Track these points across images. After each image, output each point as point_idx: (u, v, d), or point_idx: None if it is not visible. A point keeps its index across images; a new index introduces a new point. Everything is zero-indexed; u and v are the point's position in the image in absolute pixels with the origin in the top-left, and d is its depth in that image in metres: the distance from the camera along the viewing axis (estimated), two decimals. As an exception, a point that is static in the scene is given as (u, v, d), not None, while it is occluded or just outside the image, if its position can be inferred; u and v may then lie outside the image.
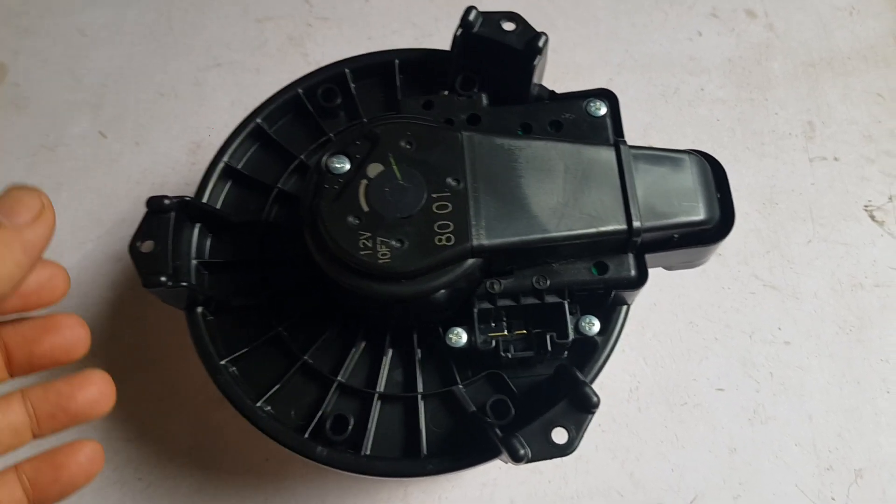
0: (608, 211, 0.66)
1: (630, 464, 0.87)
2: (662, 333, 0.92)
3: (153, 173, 1.07)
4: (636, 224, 0.66)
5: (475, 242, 0.63)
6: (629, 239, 0.66)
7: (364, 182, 0.66)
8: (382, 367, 0.73)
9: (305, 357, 0.74)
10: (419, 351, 0.74)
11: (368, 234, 0.64)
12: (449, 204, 0.64)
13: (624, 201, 0.66)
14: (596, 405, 0.64)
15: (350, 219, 0.64)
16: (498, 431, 0.65)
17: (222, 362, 0.74)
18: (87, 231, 1.04)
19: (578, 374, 0.67)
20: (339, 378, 0.73)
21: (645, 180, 0.68)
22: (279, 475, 0.91)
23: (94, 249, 1.02)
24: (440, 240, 0.63)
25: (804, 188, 1.02)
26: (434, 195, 0.65)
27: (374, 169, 0.67)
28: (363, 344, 0.75)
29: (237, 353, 0.74)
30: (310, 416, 0.72)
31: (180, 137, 1.09)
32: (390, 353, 0.75)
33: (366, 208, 0.65)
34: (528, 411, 0.65)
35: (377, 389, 0.72)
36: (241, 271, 0.78)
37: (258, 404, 0.72)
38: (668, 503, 0.86)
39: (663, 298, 0.94)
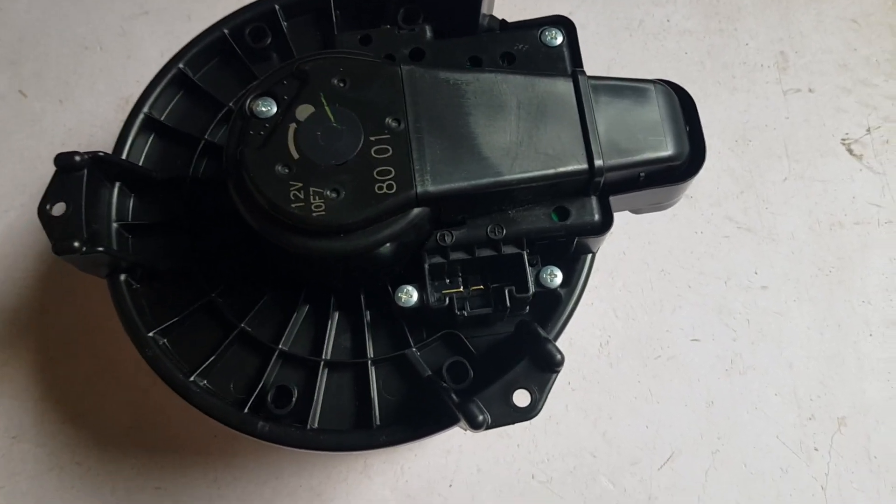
0: (567, 149, 0.61)
1: (603, 423, 0.85)
2: (633, 283, 0.90)
3: (79, 133, 0.99)
4: (598, 163, 0.61)
5: (420, 189, 0.58)
6: (591, 180, 0.61)
7: (293, 126, 0.60)
8: (328, 332, 0.68)
9: (242, 325, 0.68)
10: (368, 313, 0.69)
11: (300, 185, 0.58)
12: (389, 147, 0.59)
13: (584, 138, 0.61)
14: (560, 363, 0.59)
15: (278, 168, 0.58)
16: (454, 396, 0.60)
17: (150, 334, 0.68)
18: (10, 198, 0.97)
19: (540, 331, 0.63)
20: (280, 346, 0.67)
21: (607, 114, 0.63)
22: (228, 452, 0.86)
23: (18, 218, 0.95)
24: (380, 188, 0.58)
25: (778, 123, 0.98)
26: (372, 138, 0.59)
27: (303, 111, 0.60)
28: (306, 308, 0.70)
29: (167, 324, 0.68)
30: (250, 388, 0.67)
31: (107, 93, 1.01)
32: (336, 316, 0.69)
33: (296, 155, 0.59)
34: (488, 373, 0.63)
35: (323, 357, 0.67)
36: (167, 233, 0.72)
37: (192, 378, 0.67)
38: (644, 462, 0.83)
39: (633, 246, 0.91)
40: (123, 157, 0.73)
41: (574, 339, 0.86)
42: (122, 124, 0.89)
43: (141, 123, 0.74)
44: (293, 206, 0.57)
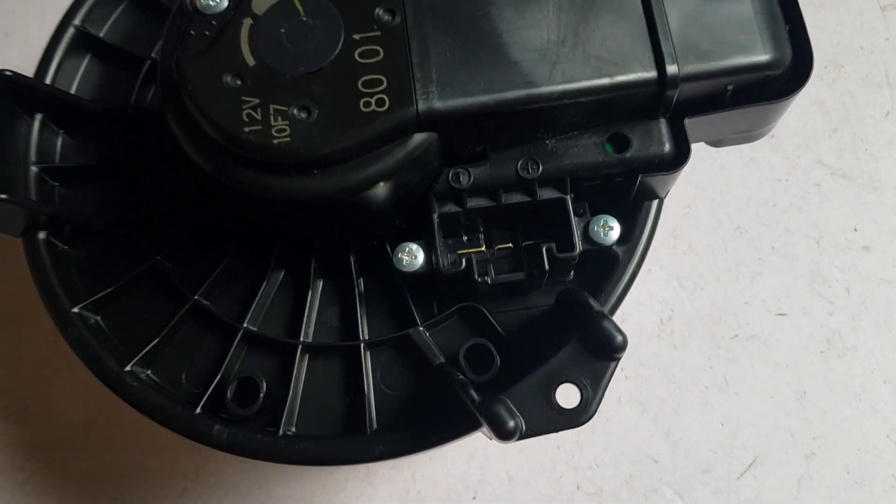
0: (627, 51, 0.48)
1: (666, 419, 0.74)
2: (701, 244, 0.79)
3: (28, 71, 0.85)
4: (671, 69, 0.48)
5: (422, 106, 0.46)
6: (661, 94, 0.49)
7: (248, 23, 0.47)
8: (308, 306, 0.56)
9: (196, 297, 0.56)
10: (361, 281, 0.57)
11: (256, 101, 0.46)
12: (379, 49, 0.47)
13: (651, 35, 0.49)
14: (621, 347, 0.47)
15: (228, 79, 0.46)
16: (474, 394, 0.48)
17: (76, 309, 0.56)
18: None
19: (592, 302, 0.50)
20: (245, 325, 0.55)
21: (681, 4, 0.50)
22: (201, 456, 0.74)
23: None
24: (367, 104, 0.46)
25: (877, 45, 0.86)
26: (356, 37, 0.47)
27: (262, 2, 0.48)
28: (279, 275, 0.58)
29: (99, 295, 0.56)
30: (208, 381, 0.55)
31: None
32: (319, 286, 0.57)
33: (251, 61, 0.47)
34: (520, 361, 0.52)
35: (301, 339, 0.55)
36: (103, 180, 0.60)
37: (129, 368, 0.55)
38: (719, 469, 0.72)
39: (700, 197, 0.80)
40: (48, 81, 0.61)
41: (627, 315, 0.75)
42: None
43: (72, 40, 0.62)
44: (247, 129, 0.45)
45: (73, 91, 0.62)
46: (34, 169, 0.58)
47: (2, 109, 0.55)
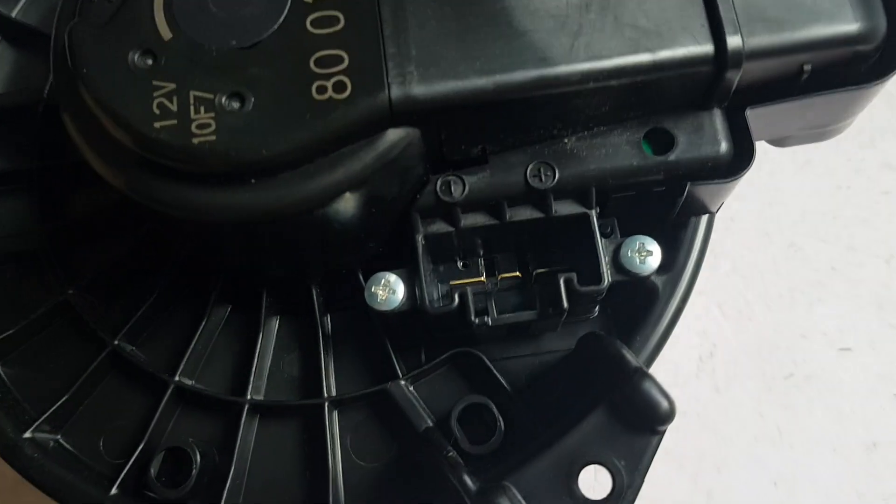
0: (674, 17, 0.40)
1: (707, 477, 0.68)
2: (747, 265, 0.74)
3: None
4: (733, 42, 0.39)
5: (397, 91, 0.36)
6: (718, 76, 0.40)
7: None
8: (259, 352, 0.47)
9: (117, 341, 0.47)
10: (328, 319, 0.48)
11: (170, 86, 0.36)
12: (340, 15, 0.38)
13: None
14: (668, 417, 0.38)
15: (135, 57, 0.37)
16: (468, 481, 0.38)
17: None
18: None
19: (627, 355, 0.41)
20: (177, 377, 0.46)
21: None
22: None
23: None
24: (322, 89, 0.36)
25: None
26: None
27: None
28: (224, 311, 0.49)
29: None
30: (131, 448, 0.46)
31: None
32: (275, 325, 0.49)
33: (167, 34, 0.37)
34: (530, 425, 0.45)
35: (249, 395, 0.46)
36: (6, 192, 0.52)
37: (30, 433, 0.46)
38: None
39: (745, 209, 0.75)
40: None
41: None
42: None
43: None
44: (158, 125, 0.36)
45: None
46: (-81, 181, 0.49)
47: None
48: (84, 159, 0.41)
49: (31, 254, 0.49)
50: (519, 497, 0.36)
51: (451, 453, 0.40)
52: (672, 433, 0.64)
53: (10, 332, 0.47)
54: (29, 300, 0.48)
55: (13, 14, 0.54)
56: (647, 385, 0.37)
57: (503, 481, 0.37)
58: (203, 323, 0.47)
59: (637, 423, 0.37)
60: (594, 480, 0.37)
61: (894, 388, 0.69)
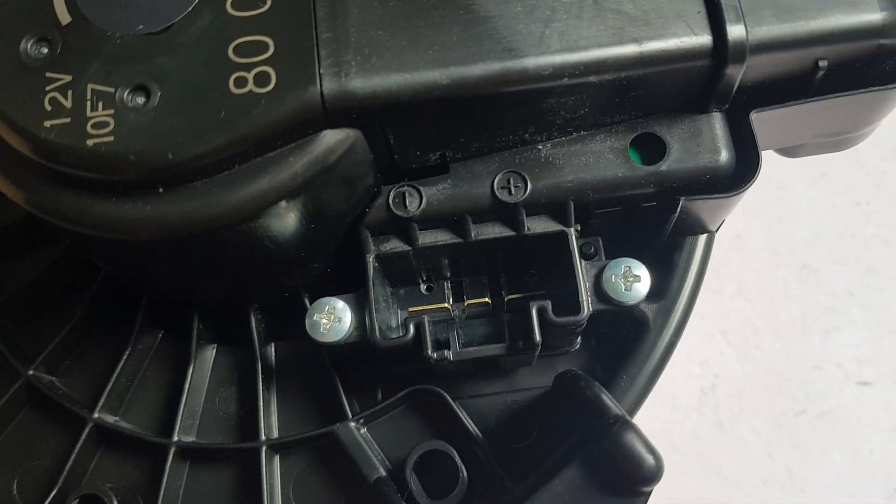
0: (664, 4, 0.35)
1: None
2: (755, 288, 0.70)
3: None
4: (735, 32, 0.35)
5: (330, 85, 0.32)
6: (717, 72, 0.36)
7: None
8: (188, 385, 0.42)
9: (32, 371, 0.42)
10: (270, 349, 0.43)
11: (66, 79, 0.32)
12: None
13: None
14: (653, 476, 0.33)
15: (28, 45, 0.33)
16: None
17: None
18: None
19: (607, 400, 0.36)
20: (96, 413, 0.41)
21: None
22: None
23: None
24: (242, 81, 0.31)
25: None
26: None
27: None
28: (154, 338, 0.44)
29: None
30: (43, 493, 0.41)
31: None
32: (210, 355, 0.44)
33: (65, 17, 0.33)
34: (498, 476, 0.40)
35: (177, 436, 0.41)
36: None
37: None
38: None
39: (753, 226, 0.71)
40: None
41: (658, 381, 0.60)
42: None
43: None
44: (48, 124, 0.31)
45: None
46: None
47: None
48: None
49: None
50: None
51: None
52: (671, 474, 0.60)
53: None
54: None
55: None
56: (630, 437, 0.32)
57: None
58: (127, 351, 0.41)
59: (617, 482, 0.32)
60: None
61: None
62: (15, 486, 0.43)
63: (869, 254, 0.69)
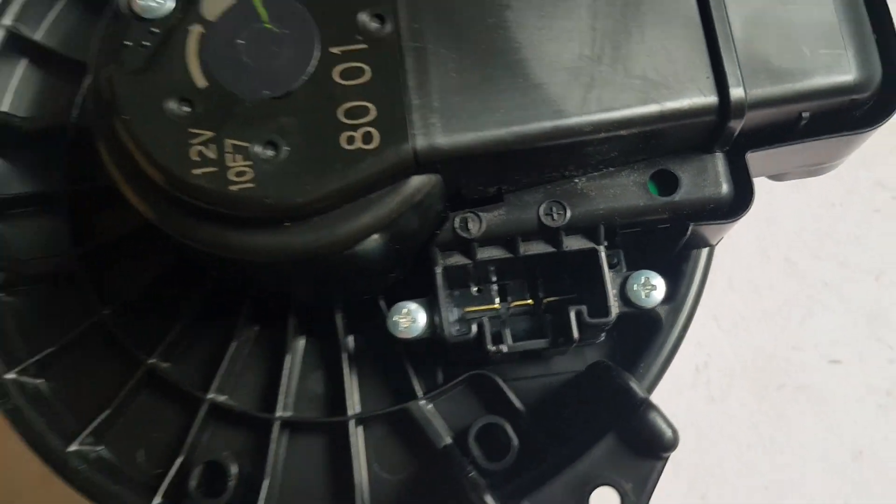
0: (680, 69, 0.40)
1: (701, 484, 0.69)
2: (743, 280, 0.74)
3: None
4: (736, 93, 0.40)
5: (421, 143, 0.37)
6: (721, 125, 0.41)
7: (197, 30, 0.38)
8: (286, 371, 0.47)
9: (152, 360, 0.47)
10: (350, 340, 0.48)
11: (209, 135, 0.37)
12: (366, 67, 0.38)
13: (710, 50, 0.40)
14: (672, 444, 0.39)
15: (172, 105, 0.37)
16: (488, 500, 0.39)
17: (11, 375, 0.47)
18: None
19: (635, 386, 0.42)
20: (210, 394, 0.47)
21: (746, 9, 0.41)
22: None
23: None
24: (351, 140, 0.37)
25: None
26: (335, 50, 0.38)
27: (215, 4, 0.38)
28: (253, 331, 0.49)
29: (40, 356, 0.48)
30: (168, 459, 0.47)
31: None
32: (301, 345, 0.49)
33: (202, 83, 0.38)
34: (541, 440, 0.46)
35: (278, 412, 0.47)
36: (40, 215, 0.52)
37: (76, 446, 0.46)
38: None
39: (743, 226, 0.69)
40: None
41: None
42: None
43: (3, 43, 0.53)
44: (197, 172, 0.36)
45: (5, 106, 0.53)
46: (-40, 199, 0.49)
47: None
48: (115, 187, 0.43)
49: (66, 275, 0.49)
50: (535, 513, 0.37)
51: (471, 473, 0.41)
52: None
53: (50, 350, 0.47)
54: (66, 319, 0.49)
55: (36, 37, 0.54)
56: (653, 416, 0.38)
57: (521, 501, 0.38)
58: (233, 343, 0.47)
59: (643, 449, 0.38)
60: (603, 500, 0.39)
61: (880, 399, 0.69)
62: (141, 455, 0.48)
63: (841, 250, 0.73)
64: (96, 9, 0.54)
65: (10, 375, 0.47)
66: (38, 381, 0.48)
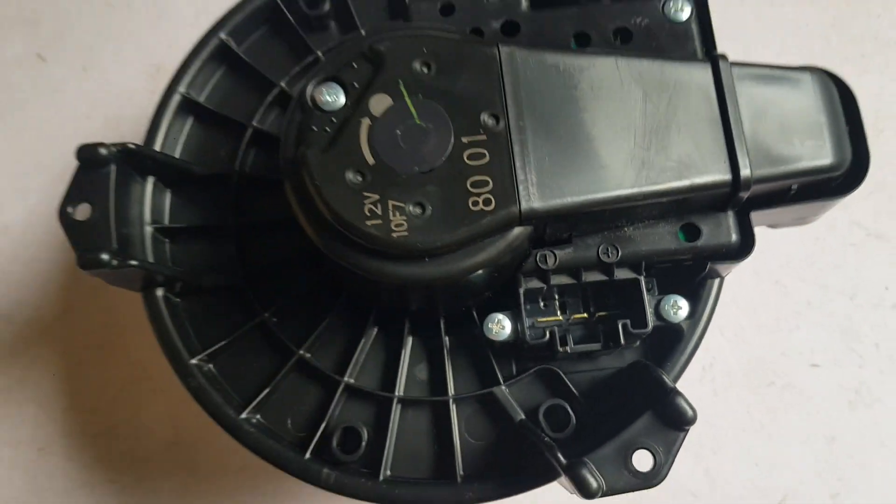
0: (706, 156, 0.50)
1: (705, 458, 0.77)
2: (742, 297, 0.80)
3: (105, 105, 0.89)
4: (745, 173, 0.50)
5: (524, 206, 0.48)
6: (734, 195, 0.51)
7: (366, 122, 0.49)
8: (401, 361, 0.58)
9: (301, 351, 0.59)
10: (448, 339, 0.59)
11: (376, 197, 0.48)
12: (485, 151, 0.48)
13: (727, 141, 0.51)
14: (692, 420, 0.50)
15: (350, 175, 0.48)
16: (560, 457, 0.50)
17: (194, 360, 0.58)
18: (29, 178, 0.86)
19: (666, 379, 0.52)
20: (346, 378, 0.58)
21: (752, 110, 0.52)
22: (286, 482, 0.75)
23: (39, 202, 0.85)
24: (475, 203, 0.48)
25: None
26: (464, 139, 0.48)
27: (379, 103, 0.49)
28: (374, 332, 0.60)
29: (214, 348, 0.59)
30: (312, 426, 0.58)
31: (136, 60, 0.91)
32: (410, 342, 0.60)
33: (371, 160, 0.48)
34: (591, 418, 0.55)
35: (396, 392, 0.58)
36: (211, 239, 0.62)
37: (244, 415, 0.57)
38: None
39: None
40: (157, 147, 0.63)
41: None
42: (152, 95, 0.79)
43: (177, 106, 0.63)
44: (369, 223, 0.47)
45: (178, 154, 0.63)
46: (148, 228, 0.60)
47: (122, 175, 0.56)
48: (281, 220, 0.55)
49: (235, 286, 0.60)
50: (594, 468, 0.48)
51: (546, 438, 0.53)
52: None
53: (223, 342, 0.58)
54: (234, 318, 0.59)
55: (201, 99, 0.64)
56: (679, 400, 0.49)
57: (582, 458, 0.49)
58: (363, 340, 0.58)
59: (671, 423, 0.49)
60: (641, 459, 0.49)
61: (850, 397, 0.76)
62: (288, 422, 0.58)
63: (823, 275, 0.80)
64: (249, 77, 0.65)
65: (192, 361, 0.57)
66: (210, 365, 0.59)
